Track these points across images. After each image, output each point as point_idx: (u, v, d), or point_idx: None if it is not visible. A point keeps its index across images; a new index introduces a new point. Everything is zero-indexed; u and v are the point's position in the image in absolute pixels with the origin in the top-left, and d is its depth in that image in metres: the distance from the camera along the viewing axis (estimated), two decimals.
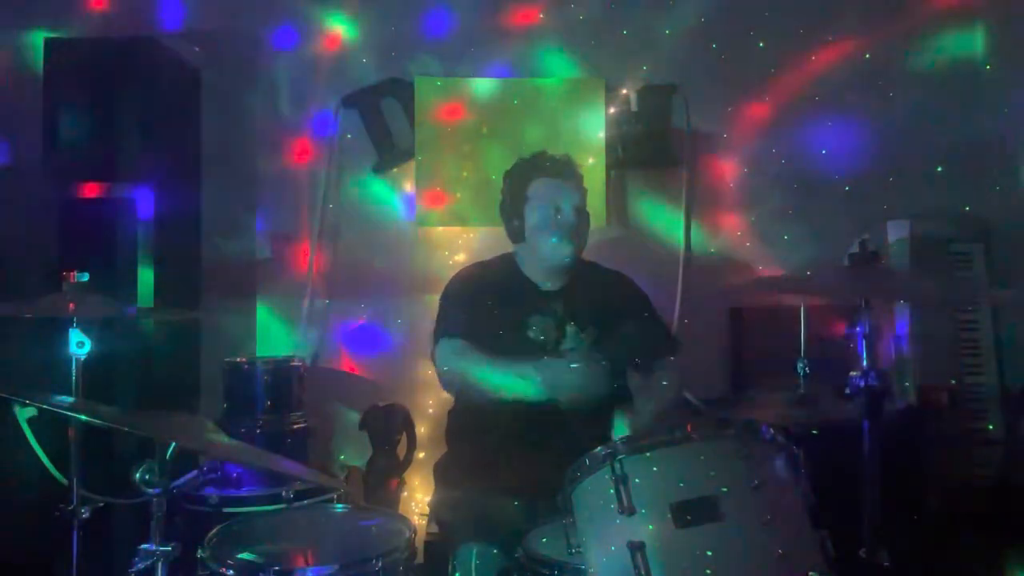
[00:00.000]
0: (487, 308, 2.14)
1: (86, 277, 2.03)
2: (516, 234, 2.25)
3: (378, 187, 3.22)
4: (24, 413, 1.88)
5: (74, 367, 1.99)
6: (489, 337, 2.09)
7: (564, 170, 2.25)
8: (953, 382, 2.80)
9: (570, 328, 2.15)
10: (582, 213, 2.23)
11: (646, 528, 1.31)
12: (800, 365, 2.14)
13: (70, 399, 1.84)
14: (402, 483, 2.94)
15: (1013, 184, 2.96)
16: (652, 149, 3.15)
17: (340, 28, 3.22)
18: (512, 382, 1.94)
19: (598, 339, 2.15)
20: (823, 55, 3.12)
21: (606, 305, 2.22)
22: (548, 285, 2.24)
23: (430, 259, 3.17)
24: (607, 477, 1.36)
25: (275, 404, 2.63)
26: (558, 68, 3.19)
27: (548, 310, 2.18)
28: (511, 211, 2.25)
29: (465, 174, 3.14)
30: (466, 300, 2.19)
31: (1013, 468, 2.71)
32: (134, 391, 2.67)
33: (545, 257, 2.20)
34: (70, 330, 1.97)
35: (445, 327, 2.16)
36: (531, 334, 2.14)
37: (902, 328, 2.84)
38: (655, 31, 3.16)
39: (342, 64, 3.20)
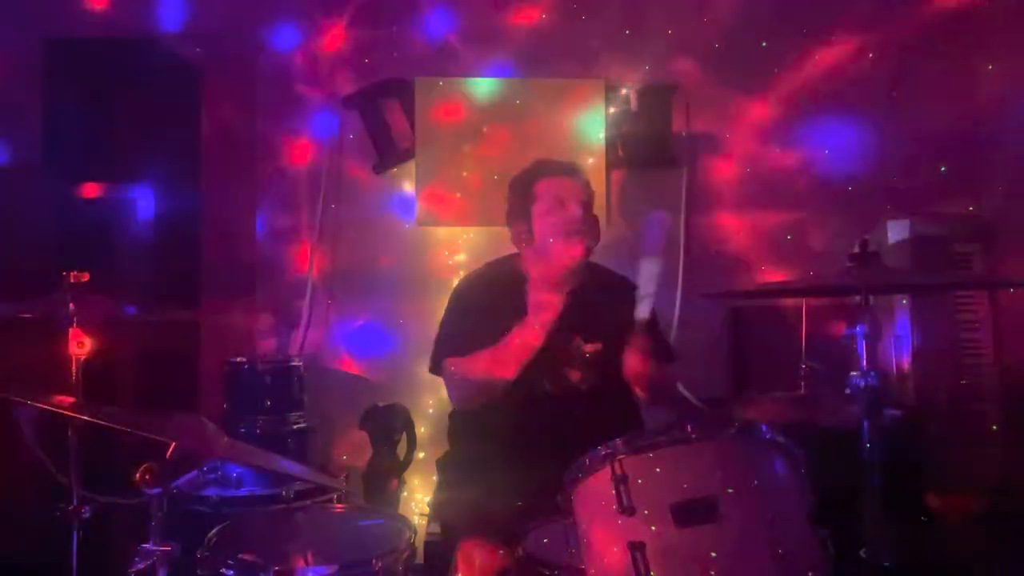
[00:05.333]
0: (491, 323, 2.11)
1: (86, 277, 2.03)
2: (524, 238, 2.22)
3: (378, 187, 3.22)
4: (24, 413, 1.88)
5: (74, 367, 1.99)
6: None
7: (569, 169, 2.24)
8: (960, 382, 2.80)
9: (575, 341, 2.13)
10: (590, 211, 2.21)
11: (646, 528, 1.31)
12: (803, 365, 2.14)
13: (70, 399, 1.84)
14: (402, 483, 2.94)
15: (1013, 184, 2.95)
16: (652, 149, 3.15)
17: (340, 28, 3.22)
18: (506, 355, 1.95)
19: (603, 350, 2.12)
20: (825, 55, 3.11)
21: (612, 315, 2.18)
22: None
23: (430, 259, 3.17)
24: (607, 477, 1.36)
25: (275, 404, 2.64)
26: (558, 68, 3.19)
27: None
28: (518, 214, 2.22)
29: (465, 174, 3.14)
30: (470, 315, 2.16)
31: (1013, 468, 2.71)
32: (134, 391, 2.67)
33: (553, 258, 2.17)
34: (70, 330, 1.97)
35: (449, 345, 2.15)
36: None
37: (902, 328, 2.84)
38: (655, 31, 3.16)
39: (342, 64, 3.20)
